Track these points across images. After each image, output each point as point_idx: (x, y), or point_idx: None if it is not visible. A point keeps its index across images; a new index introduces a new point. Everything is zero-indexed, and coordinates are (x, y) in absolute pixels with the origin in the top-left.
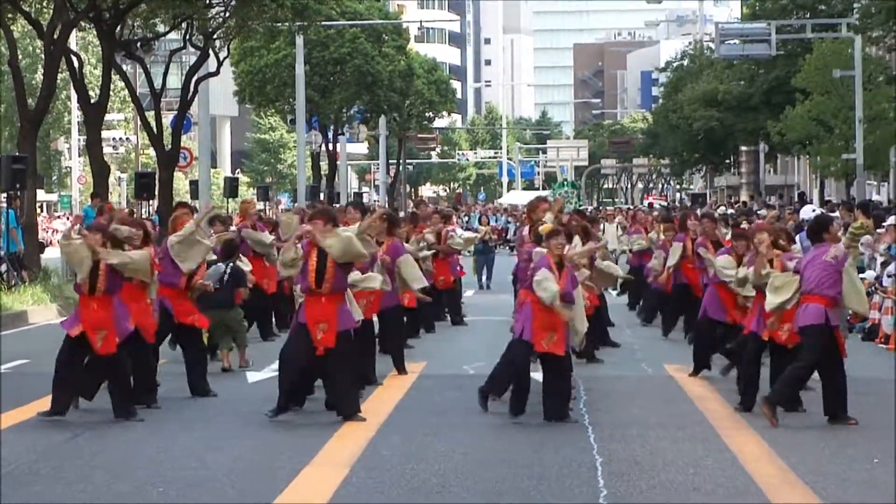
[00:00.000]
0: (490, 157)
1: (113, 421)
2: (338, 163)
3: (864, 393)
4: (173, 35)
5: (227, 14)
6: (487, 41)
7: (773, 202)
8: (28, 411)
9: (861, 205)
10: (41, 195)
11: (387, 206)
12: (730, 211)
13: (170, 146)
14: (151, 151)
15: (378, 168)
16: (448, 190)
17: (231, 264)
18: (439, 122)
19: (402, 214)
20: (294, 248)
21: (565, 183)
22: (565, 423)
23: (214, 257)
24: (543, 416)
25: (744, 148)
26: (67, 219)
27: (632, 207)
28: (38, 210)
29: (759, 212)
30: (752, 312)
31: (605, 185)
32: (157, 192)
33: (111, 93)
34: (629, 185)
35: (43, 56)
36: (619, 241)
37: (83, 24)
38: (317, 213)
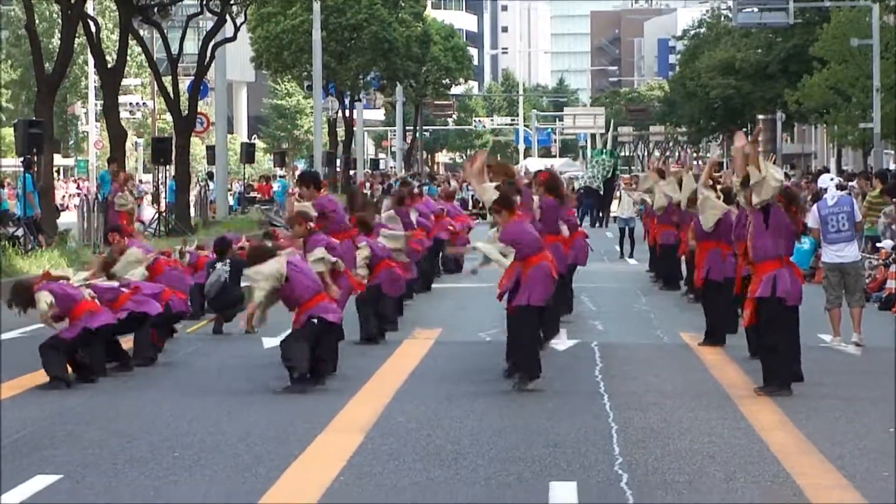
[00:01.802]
0: (507, 125)
1: (127, 386)
2: (354, 129)
3: (880, 362)
4: (190, 0)
5: None
6: (504, 8)
7: (790, 171)
8: (45, 376)
9: (879, 174)
10: (58, 160)
11: (402, 172)
12: None
13: (187, 111)
14: (168, 117)
15: (394, 135)
16: (464, 157)
17: (228, 261)
18: (456, 89)
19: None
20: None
21: (603, 151)
22: (580, 391)
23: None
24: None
25: (761, 116)
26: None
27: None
28: (55, 175)
29: None
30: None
31: (622, 153)
32: (173, 158)
33: (128, 58)
34: (646, 153)
35: (60, 21)
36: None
37: None
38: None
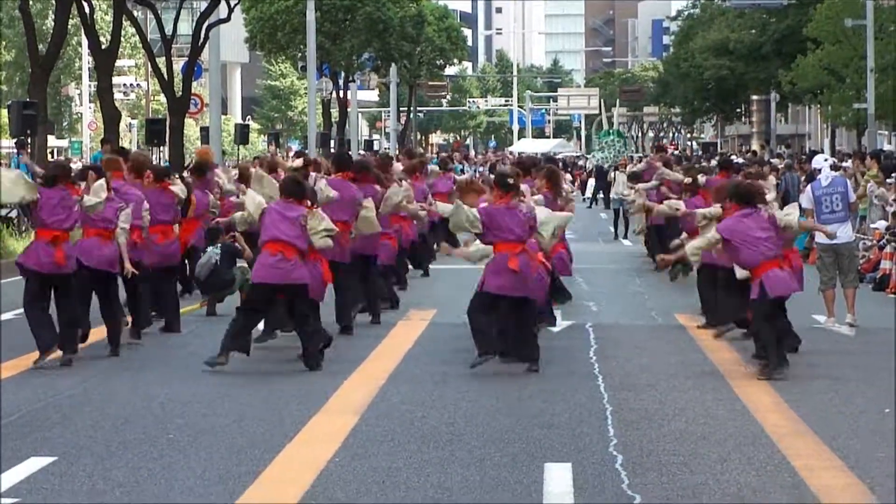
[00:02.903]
0: (501, 105)
1: (121, 368)
2: (348, 110)
3: (874, 343)
4: None
5: None
6: None
7: (784, 151)
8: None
9: (874, 153)
10: (52, 141)
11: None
12: (741, 160)
13: (180, 93)
14: (162, 98)
15: (389, 115)
16: (458, 137)
17: (220, 245)
18: (450, 70)
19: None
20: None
21: (611, 132)
22: (574, 373)
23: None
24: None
25: (755, 97)
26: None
27: (642, 156)
28: (49, 156)
29: (770, 161)
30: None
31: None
32: (167, 139)
33: (122, 39)
34: (640, 134)
35: (54, 1)
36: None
37: None
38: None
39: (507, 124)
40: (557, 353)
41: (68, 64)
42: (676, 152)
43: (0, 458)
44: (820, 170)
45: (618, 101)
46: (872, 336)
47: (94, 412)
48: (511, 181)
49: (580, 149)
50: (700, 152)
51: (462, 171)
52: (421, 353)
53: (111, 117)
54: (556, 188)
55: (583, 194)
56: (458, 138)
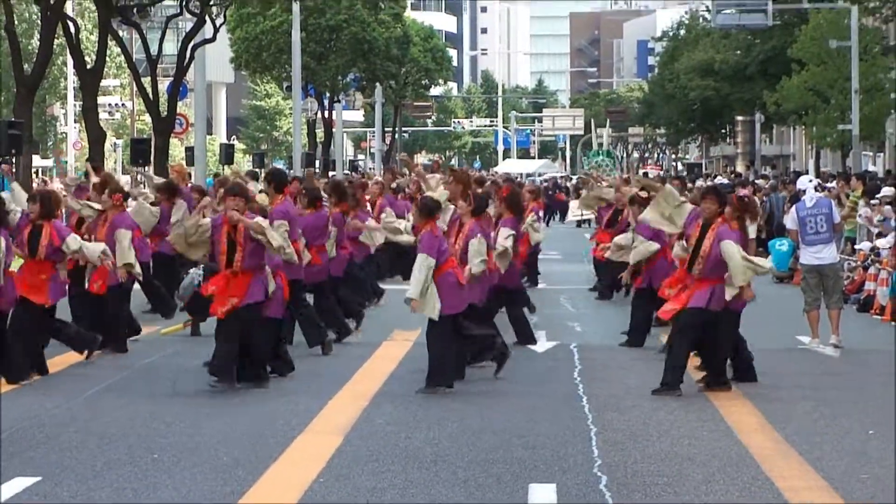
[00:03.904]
0: (486, 126)
1: (105, 388)
2: (333, 130)
3: (859, 364)
4: (170, 1)
5: None
6: (484, 9)
7: (769, 172)
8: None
9: (860, 175)
10: (37, 161)
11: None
12: (725, 181)
13: (166, 113)
14: (147, 118)
15: (374, 136)
16: (443, 158)
17: (203, 266)
18: (435, 90)
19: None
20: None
21: (600, 152)
22: (559, 393)
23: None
24: None
25: (740, 118)
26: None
27: (626, 176)
28: (34, 175)
29: (755, 181)
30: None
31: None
32: (152, 159)
33: (107, 59)
34: (625, 155)
35: (39, 21)
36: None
37: None
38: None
39: (492, 145)
40: (542, 374)
41: (53, 83)
42: (660, 173)
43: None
44: (805, 191)
45: (607, 121)
46: (857, 357)
47: (78, 432)
48: (435, 209)
49: (565, 169)
50: (685, 173)
51: None
52: (405, 373)
53: (96, 137)
54: (519, 212)
55: (561, 217)
56: (438, 159)
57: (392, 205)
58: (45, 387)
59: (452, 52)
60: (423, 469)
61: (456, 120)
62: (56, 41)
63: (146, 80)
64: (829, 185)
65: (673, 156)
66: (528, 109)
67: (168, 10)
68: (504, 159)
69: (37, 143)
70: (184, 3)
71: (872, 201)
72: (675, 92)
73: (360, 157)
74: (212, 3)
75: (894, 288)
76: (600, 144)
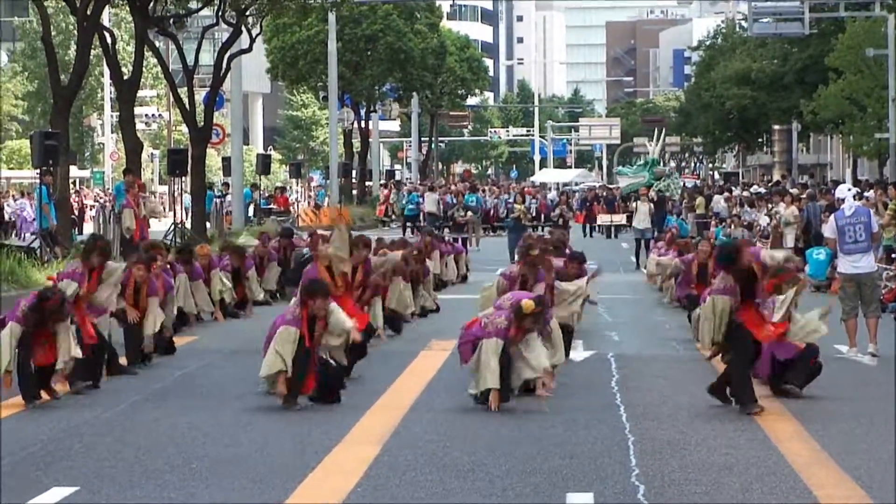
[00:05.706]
0: (522, 135)
1: (143, 399)
2: (370, 140)
3: None
4: (206, 11)
5: None
6: (520, 18)
7: (808, 181)
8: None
9: None
10: (74, 171)
11: (418, 182)
12: (762, 190)
13: (202, 123)
14: (184, 128)
15: (410, 145)
16: (478, 167)
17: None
18: (471, 100)
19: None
20: None
21: (647, 163)
22: (596, 403)
23: None
24: None
25: (776, 127)
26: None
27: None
28: (71, 186)
29: (790, 190)
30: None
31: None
32: (189, 169)
33: (144, 69)
34: (661, 164)
35: (76, 32)
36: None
37: (116, 0)
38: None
39: (528, 154)
40: (579, 383)
41: (90, 94)
42: (697, 182)
43: None
44: (843, 199)
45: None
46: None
47: (115, 442)
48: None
49: (601, 178)
50: (722, 182)
51: (476, 202)
52: (442, 383)
53: (133, 148)
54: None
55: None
56: (469, 169)
57: None
58: (82, 397)
59: (489, 62)
60: (461, 478)
61: (492, 129)
62: (93, 52)
63: (183, 91)
64: (866, 193)
65: (710, 165)
66: (565, 119)
67: (204, 21)
68: (540, 168)
69: (74, 153)
70: (220, 13)
71: None
72: (711, 101)
73: (397, 166)
74: (248, 13)
75: None
76: (645, 155)
